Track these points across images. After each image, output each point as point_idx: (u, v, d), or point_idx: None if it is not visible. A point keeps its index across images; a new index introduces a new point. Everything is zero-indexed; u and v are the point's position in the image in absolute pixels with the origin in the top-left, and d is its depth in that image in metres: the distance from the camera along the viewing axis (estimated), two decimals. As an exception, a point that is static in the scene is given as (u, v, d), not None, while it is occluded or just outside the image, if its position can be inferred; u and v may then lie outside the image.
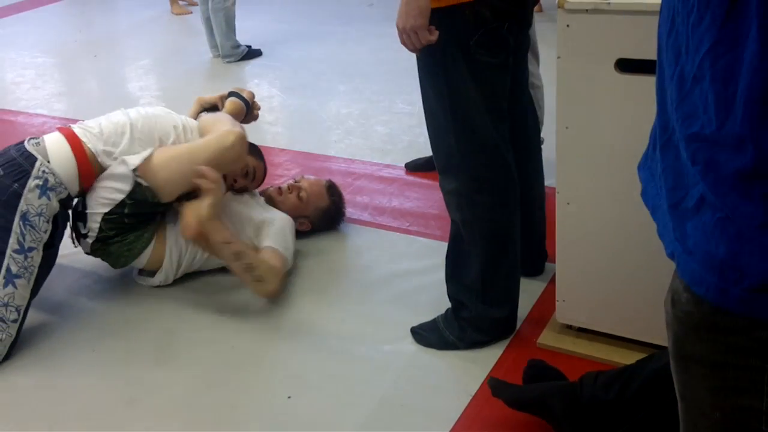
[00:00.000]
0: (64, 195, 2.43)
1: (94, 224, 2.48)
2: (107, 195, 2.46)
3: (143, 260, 2.58)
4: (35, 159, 2.40)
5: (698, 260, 0.89)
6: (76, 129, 2.53)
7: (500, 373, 2.11)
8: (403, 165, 3.48)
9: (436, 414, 2.03)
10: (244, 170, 2.80)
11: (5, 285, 2.31)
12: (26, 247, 2.34)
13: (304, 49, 5.45)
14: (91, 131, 2.52)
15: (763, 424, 0.91)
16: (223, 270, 2.65)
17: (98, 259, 2.61)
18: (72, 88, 5.19)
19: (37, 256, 2.37)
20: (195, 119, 2.74)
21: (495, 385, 1.95)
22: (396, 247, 2.86)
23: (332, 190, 2.99)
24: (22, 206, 2.34)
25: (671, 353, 1.00)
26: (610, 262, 2.06)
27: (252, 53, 5.34)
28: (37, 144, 2.46)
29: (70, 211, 2.55)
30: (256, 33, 5.75)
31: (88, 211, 2.48)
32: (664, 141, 0.97)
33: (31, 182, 2.36)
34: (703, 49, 0.84)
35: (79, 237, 2.58)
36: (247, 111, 2.91)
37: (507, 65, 2.04)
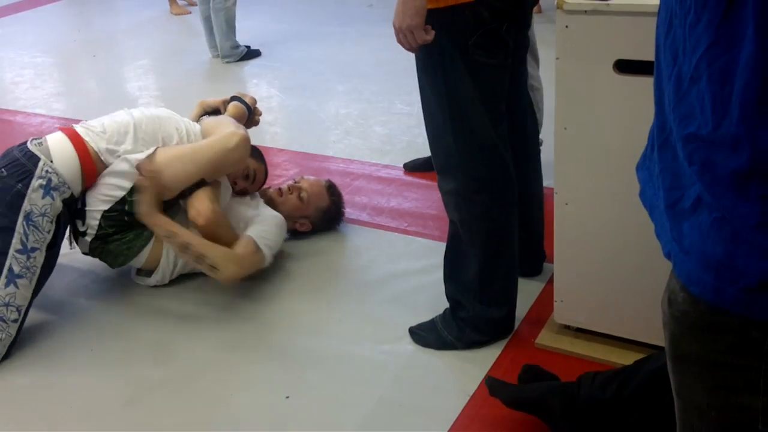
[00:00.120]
0: (67, 195, 2.44)
1: (93, 221, 2.48)
2: (108, 192, 2.46)
3: (142, 259, 2.58)
4: (38, 159, 2.40)
5: (695, 260, 0.90)
6: (79, 128, 2.54)
7: (498, 373, 2.11)
8: (402, 165, 3.47)
9: (434, 414, 2.04)
10: (244, 172, 2.80)
11: (7, 285, 2.31)
12: (29, 247, 2.34)
13: (304, 49, 5.45)
14: (93, 130, 2.52)
15: (759, 423, 0.91)
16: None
17: (96, 259, 2.61)
18: (71, 87, 5.19)
19: (39, 257, 2.37)
20: (196, 122, 2.74)
21: (492, 385, 1.95)
22: (394, 247, 2.86)
23: (332, 190, 2.99)
24: (26, 206, 2.34)
25: (668, 353, 1.01)
26: (609, 262, 2.07)
27: (251, 53, 5.34)
28: (40, 144, 2.46)
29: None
30: (256, 33, 5.75)
31: (87, 208, 2.48)
32: (661, 141, 0.97)
33: (35, 182, 2.36)
34: (700, 50, 0.84)
35: (77, 236, 2.58)
36: (249, 116, 2.91)
37: (505, 66, 2.04)
